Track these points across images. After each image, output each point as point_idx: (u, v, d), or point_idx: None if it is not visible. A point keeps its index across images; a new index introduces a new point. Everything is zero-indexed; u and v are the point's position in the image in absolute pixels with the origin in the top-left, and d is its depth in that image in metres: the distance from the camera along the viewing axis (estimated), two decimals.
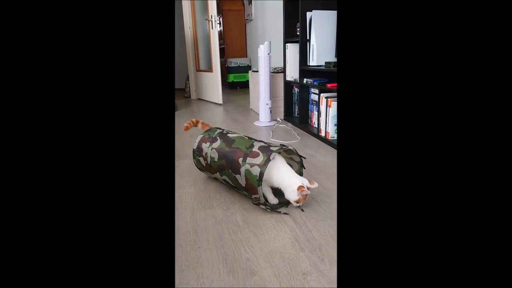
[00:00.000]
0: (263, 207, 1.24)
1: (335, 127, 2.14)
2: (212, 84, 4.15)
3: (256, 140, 1.36)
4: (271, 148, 1.25)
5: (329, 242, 1.02)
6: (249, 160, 1.23)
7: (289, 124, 2.77)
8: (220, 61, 4.11)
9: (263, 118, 2.85)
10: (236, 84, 5.70)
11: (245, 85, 5.69)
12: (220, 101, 4.03)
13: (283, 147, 1.27)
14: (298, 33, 2.50)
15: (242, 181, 1.24)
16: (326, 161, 1.83)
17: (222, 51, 5.93)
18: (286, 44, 2.69)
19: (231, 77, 5.65)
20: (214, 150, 1.39)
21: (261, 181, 1.16)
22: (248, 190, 1.24)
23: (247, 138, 1.39)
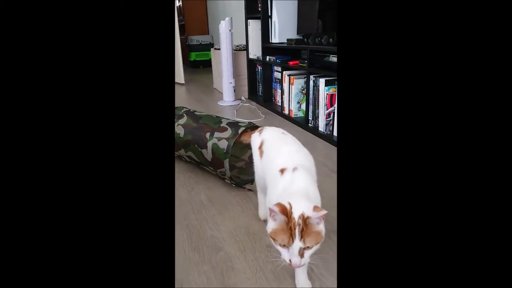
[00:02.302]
0: (228, 181, 1.24)
1: (298, 105, 2.17)
2: None
3: (224, 118, 1.35)
4: (239, 124, 1.24)
5: None
6: (216, 134, 1.22)
7: (254, 103, 2.76)
8: (180, 38, 3.92)
9: (227, 97, 2.80)
10: (198, 63, 5.51)
11: (208, 64, 5.51)
12: (182, 81, 3.89)
13: (251, 124, 1.27)
14: (260, 9, 2.44)
15: (208, 155, 1.23)
16: None
17: (182, 28, 5.65)
18: (248, 21, 2.63)
19: (193, 56, 5.45)
20: (180, 126, 1.36)
21: (228, 154, 1.16)
22: (214, 164, 1.23)
23: (215, 116, 1.37)
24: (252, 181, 1.31)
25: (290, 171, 0.72)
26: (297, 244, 0.58)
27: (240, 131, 1.19)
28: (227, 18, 2.62)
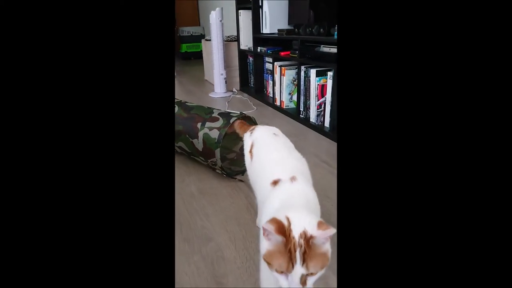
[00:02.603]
0: (219, 171, 1.24)
1: (289, 96, 2.17)
2: None
3: (215, 108, 1.34)
4: (231, 114, 1.24)
5: None
6: (208, 124, 1.21)
7: (245, 95, 2.74)
8: None
9: (218, 89, 2.78)
10: (189, 55, 5.44)
11: (199, 56, 5.44)
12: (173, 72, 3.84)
13: (243, 115, 1.26)
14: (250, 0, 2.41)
15: (199, 145, 1.23)
16: (282, 129, 1.85)
17: None
18: (239, 11, 2.59)
19: (184, 47, 5.37)
20: None
21: (219, 144, 1.15)
22: (205, 154, 1.22)
23: (206, 107, 1.36)
24: (243, 172, 1.30)
25: (287, 182, 0.62)
26: (299, 270, 0.46)
27: (231, 120, 1.18)
28: (217, 9, 2.58)
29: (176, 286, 0.74)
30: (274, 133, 0.86)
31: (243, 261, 0.81)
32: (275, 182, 0.64)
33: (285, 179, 0.63)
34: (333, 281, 0.75)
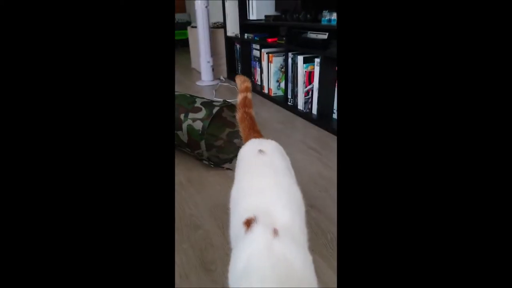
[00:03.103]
0: (206, 162, 1.23)
1: (277, 83, 2.16)
2: None
3: (198, 97, 1.31)
4: (213, 103, 1.22)
5: None
6: (191, 115, 1.19)
7: (233, 83, 2.71)
8: None
9: (205, 77, 2.74)
10: (175, 42, 5.32)
11: (185, 44, 5.34)
12: None
13: (226, 103, 1.24)
14: None
15: (184, 137, 1.21)
16: (270, 117, 1.85)
17: None
18: None
19: None
20: None
21: (204, 135, 1.14)
22: (191, 146, 1.21)
23: (188, 95, 1.33)
24: (231, 159, 1.30)
25: (263, 231, 0.43)
26: None
27: (214, 110, 1.17)
28: None
29: None
30: (261, 150, 0.62)
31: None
32: (248, 223, 0.45)
33: (261, 225, 0.44)
34: (333, 281, 0.77)
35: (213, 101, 1.25)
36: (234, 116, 1.39)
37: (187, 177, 1.19)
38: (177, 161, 1.33)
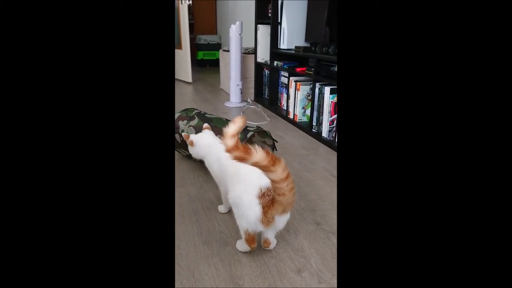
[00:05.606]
0: None
1: (303, 110, 2.25)
2: (181, 62, 4.05)
3: None
4: (248, 128, 1.32)
5: (294, 214, 1.14)
6: None
7: (259, 106, 2.84)
8: (189, 37, 4.00)
9: (234, 98, 2.89)
10: (205, 62, 5.60)
11: (214, 63, 5.61)
12: (190, 80, 3.97)
13: (259, 129, 1.34)
14: (269, 15, 2.52)
15: None
16: (294, 142, 1.94)
17: (191, 27, 5.74)
18: (258, 25, 2.71)
19: (200, 55, 5.53)
20: (191, 127, 1.44)
21: None
22: None
23: (224, 119, 1.45)
24: None
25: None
26: None
27: (248, 135, 1.27)
28: (237, 22, 2.70)
29: (197, 285, 0.83)
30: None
31: (258, 266, 0.89)
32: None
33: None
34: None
35: (247, 126, 1.35)
36: (264, 141, 1.49)
37: (217, 195, 1.28)
38: (207, 178, 1.43)
